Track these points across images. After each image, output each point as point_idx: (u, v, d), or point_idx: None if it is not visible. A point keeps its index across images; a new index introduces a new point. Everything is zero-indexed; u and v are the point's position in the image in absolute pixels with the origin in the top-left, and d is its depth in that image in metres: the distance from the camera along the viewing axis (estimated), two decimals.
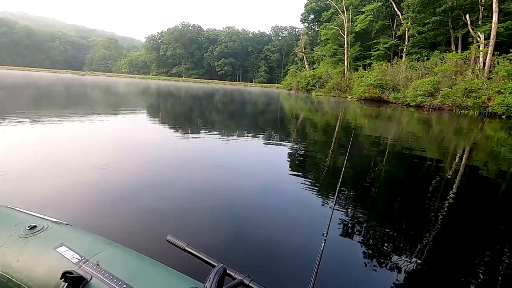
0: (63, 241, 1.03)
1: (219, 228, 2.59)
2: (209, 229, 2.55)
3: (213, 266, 0.78)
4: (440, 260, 2.45)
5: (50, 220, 1.18)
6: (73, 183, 3.29)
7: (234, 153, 5.62)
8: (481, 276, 2.22)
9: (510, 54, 17.44)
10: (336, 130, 9.93)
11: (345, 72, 35.27)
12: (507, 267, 2.36)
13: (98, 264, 0.92)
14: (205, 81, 72.08)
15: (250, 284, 0.77)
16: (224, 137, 7.11)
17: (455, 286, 2.09)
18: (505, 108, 15.31)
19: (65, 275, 0.84)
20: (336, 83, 33.43)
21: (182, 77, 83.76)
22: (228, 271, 0.78)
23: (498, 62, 18.41)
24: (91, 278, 0.87)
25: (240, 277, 0.78)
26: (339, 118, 13.62)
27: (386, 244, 2.58)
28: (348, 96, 30.68)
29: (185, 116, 11.64)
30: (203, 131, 7.82)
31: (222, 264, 0.76)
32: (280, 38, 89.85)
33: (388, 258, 2.34)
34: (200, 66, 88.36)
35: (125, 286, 0.84)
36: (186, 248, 0.91)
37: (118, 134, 6.64)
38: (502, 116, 15.60)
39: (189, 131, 7.92)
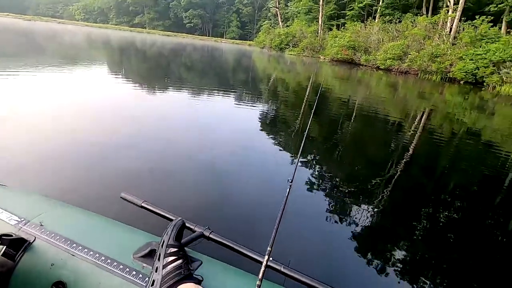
0: None
1: (181, 184, 2.55)
2: (171, 186, 2.49)
3: (172, 220, 0.75)
4: (395, 208, 2.66)
5: None
6: (14, 140, 2.97)
7: (200, 111, 5.41)
8: (435, 231, 2.45)
9: (475, 21, 17.96)
10: (308, 91, 9.93)
11: (319, 32, 34.45)
12: (455, 223, 2.63)
13: (41, 225, 0.84)
14: (172, 34, 66.67)
15: (211, 236, 0.76)
16: (192, 96, 6.79)
17: (412, 235, 2.30)
18: (464, 74, 16.22)
19: (2, 238, 0.76)
20: (309, 42, 32.74)
21: (146, 28, 76.63)
22: (187, 225, 0.77)
23: (463, 28, 18.98)
24: (35, 239, 0.80)
25: (200, 230, 0.77)
26: (311, 80, 13.59)
27: (347, 192, 2.76)
28: (321, 57, 30.43)
29: (149, 74, 10.83)
30: (170, 90, 7.38)
31: (180, 218, 0.74)
32: None
33: (350, 206, 2.52)
34: (166, 17, 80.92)
35: (74, 245, 0.78)
36: (142, 204, 0.86)
37: (71, 89, 6.02)
38: (461, 82, 16.59)
39: (154, 89, 7.42)
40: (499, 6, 18.86)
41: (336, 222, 2.27)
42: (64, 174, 2.44)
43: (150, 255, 0.73)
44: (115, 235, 0.85)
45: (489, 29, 17.23)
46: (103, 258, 0.74)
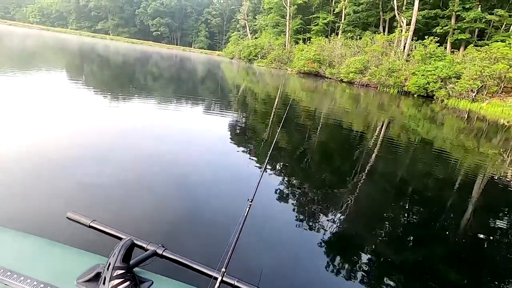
0: None
1: (137, 201, 2.39)
2: (126, 203, 2.33)
3: (122, 239, 0.70)
4: (359, 218, 2.74)
5: None
6: None
7: (162, 124, 5.24)
8: (398, 230, 2.56)
9: (424, 41, 19.87)
10: (276, 102, 10.13)
11: (287, 44, 35.73)
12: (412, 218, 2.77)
13: None
14: (138, 41, 64.76)
15: (164, 254, 0.74)
16: (156, 108, 6.58)
17: (375, 240, 2.37)
18: (417, 88, 17.72)
19: None
20: (277, 55, 33.79)
21: (109, 34, 73.61)
22: (140, 243, 0.74)
23: (415, 46, 20.88)
24: None
25: (153, 248, 0.74)
26: (279, 91, 13.92)
27: (308, 207, 2.79)
28: (289, 69, 31.46)
29: (107, 84, 10.35)
30: (131, 101, 7.09)
31: (130, 237, 0.71)
32: (222, 1, 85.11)
33: (309, 222, 2.53)
34: (132, 24, 78.62)
35: (9, 273, 0.69)
36: (91, 224, 0.80)
37: (16, 97, 5.52)
38: (414, 95, 18.07)
39: (113, 100, 7.07)
40: (444, 28, 21.49)
41: (297, 236, 2.28)
42: (1, 194, 2.18)
43: (96, 278, 0.66)
44: (58, 259, 0.77)
45: (436, 48, 19.13)
46: (42, 285, 0.66)
